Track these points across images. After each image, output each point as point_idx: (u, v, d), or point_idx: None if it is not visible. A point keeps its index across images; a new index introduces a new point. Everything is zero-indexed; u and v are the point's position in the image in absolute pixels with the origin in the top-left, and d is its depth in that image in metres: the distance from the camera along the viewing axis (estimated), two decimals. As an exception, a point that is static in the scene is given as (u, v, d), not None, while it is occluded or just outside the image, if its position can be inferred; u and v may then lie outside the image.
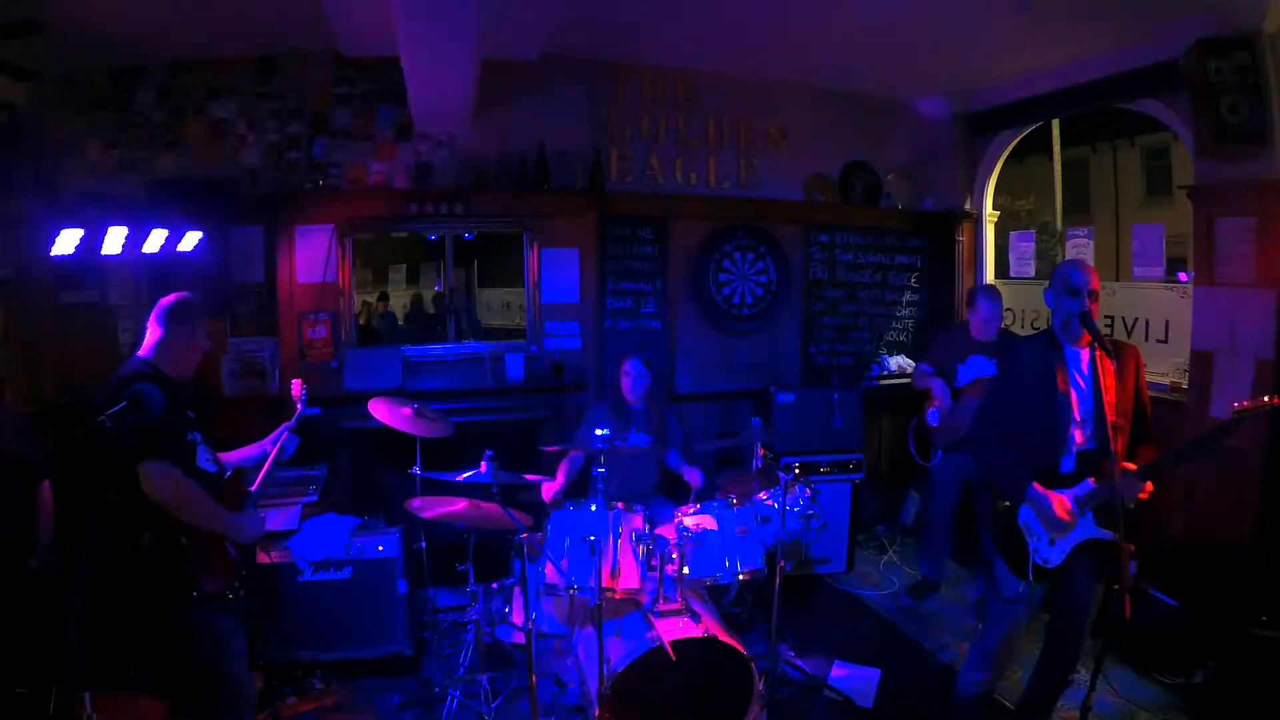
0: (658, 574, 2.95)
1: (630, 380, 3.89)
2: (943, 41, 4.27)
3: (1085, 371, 2.50)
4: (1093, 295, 2.48)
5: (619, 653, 2.80)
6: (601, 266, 4.86)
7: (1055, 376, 2.51)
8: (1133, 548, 2.23)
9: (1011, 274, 5.37)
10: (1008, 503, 2.57)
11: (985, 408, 2.82)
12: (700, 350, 5.13)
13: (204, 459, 2.47)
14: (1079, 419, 2.49)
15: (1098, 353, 2.42)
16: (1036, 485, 2.47)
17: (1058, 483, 2.49)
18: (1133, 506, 2.29)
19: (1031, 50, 4.35)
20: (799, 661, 3.54)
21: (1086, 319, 2.43)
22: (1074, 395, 2.49)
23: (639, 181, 4.94)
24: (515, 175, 4.62)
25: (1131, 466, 2.37)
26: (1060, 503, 2.44)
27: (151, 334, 2.45)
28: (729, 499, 3.19)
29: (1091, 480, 2.45)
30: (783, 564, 3.10)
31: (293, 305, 4.41)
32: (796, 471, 3.25)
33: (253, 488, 2.66)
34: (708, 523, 3.10)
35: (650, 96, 4.93)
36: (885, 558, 4.97)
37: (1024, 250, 5.30)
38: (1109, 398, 2.37)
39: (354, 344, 4.53)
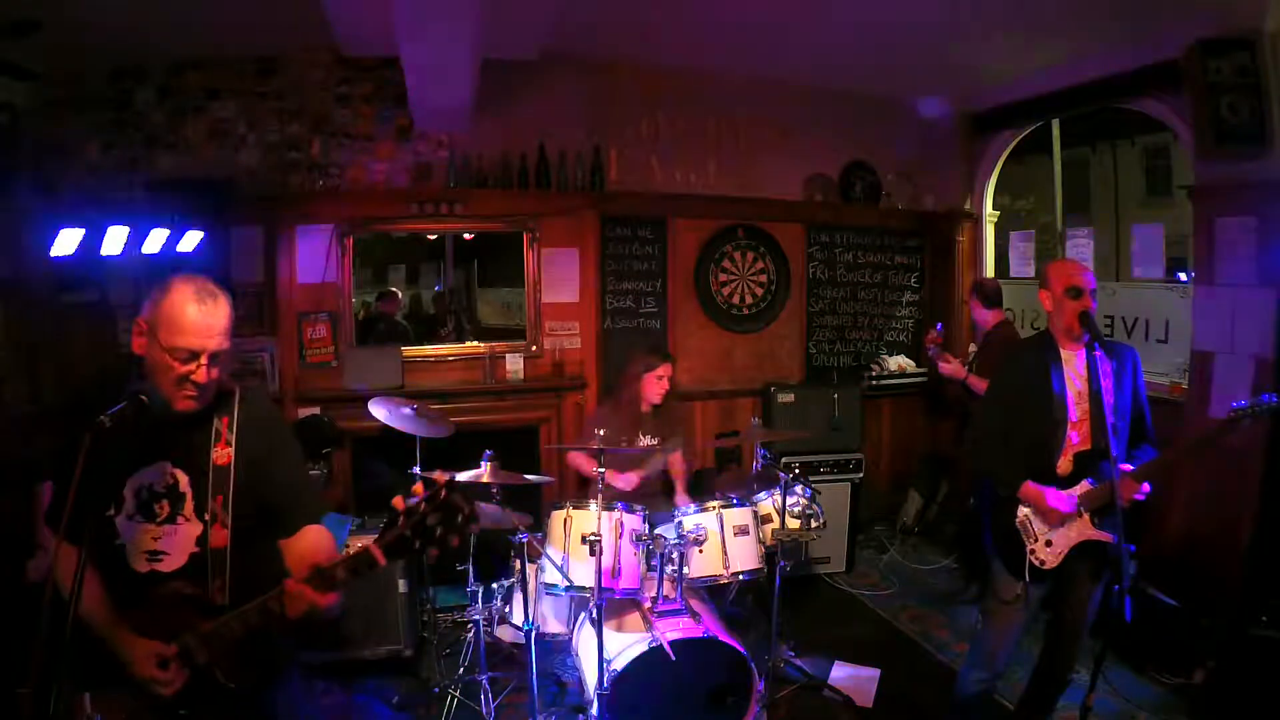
0: (658, 574, 2.95)
1: (663, 384, 3.71)
2: (943, 41, 4.27)
3: (1082, 372, 2.50)
4: (1091, 294, 2.48)
5: (619, 653, 2.80)
6: (601, 266, 4.86)
7: (1051, 378, 2.50)
8: (1133, 548, 2.23)
9: (1011, 274, 5.37)
10: (1005, 504, 2.57)
11: (982, 408, 2.82)
12: (700, 350, 5.13)
13: (135, 543, 1.63)
14: (1075, 420, 2.49)
15: (1096, 353, 2.42)
16: (1030, 483, 2.47)
17: (1054, 484, 2.48)
18: (1127, 507, 2.29)
19: (1032, 50, 4.35)
20: (799, 661, 3.54)
21: (1087, 319, 2.43)
22: (1070, 396, 2.49)
23: (639, 181, 4.93)
24: (515, 175, 4.62)
25: (1126, 468, 2.38)
26: (1054, 498, 2.43)
27: None
28: (729, 499, 3.19)
29: (1088, 481, 2.45)
30: (783, 564, 3.09)
31: (293, 305, 4.41)
32: (796, 471, 3.25)
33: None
34: (708, 522, 3.10)
35: (650, 96, 4.93)
36: (885, 558, 4.97)
37: (1024, 250, 5.30)
38: (1106, 399, 2.37)
39: (354, 344, 4.53)
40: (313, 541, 1.74)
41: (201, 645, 1.57)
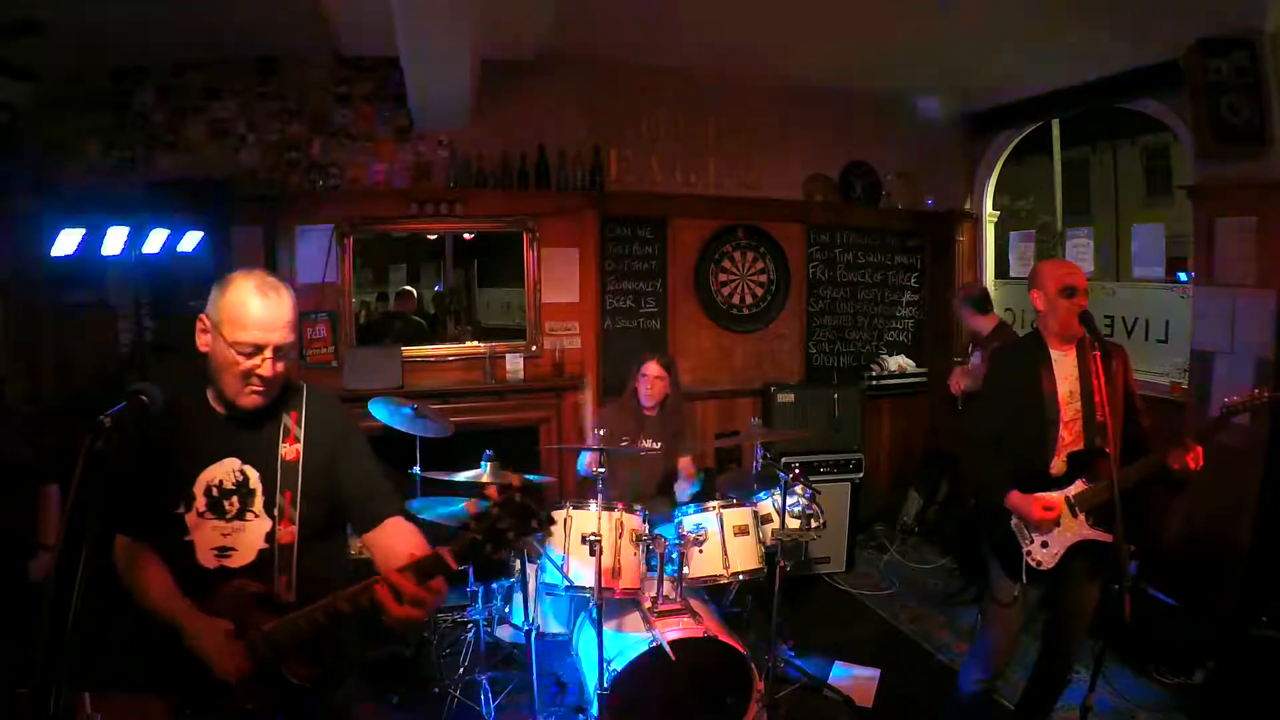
0: (658, 574, 2.95)
1: (648, 383, 3.67)
2: (942, 42, 4.27)
3: (1072, 371, 2.50)
4: (1085, 292, 2.48)
5: (619, 653, 2.80)
6: (601, 266, 4.86)
7: (1041, 378, 2.50)
8: (1133, 548, 2.23)
9: (1012, 274, 5.37)
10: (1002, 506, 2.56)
11: (974, 412, 2.81)
12: (700, 350, 5.13)
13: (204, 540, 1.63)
14: (1066, 420, 2.48)
15: (1088, 353, 2.41)
16: (1014, 493, 2.46)
17: (1049, 485, 2.48)
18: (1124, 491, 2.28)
19: (1032, 50, 4.35)
20: (799, 661, 3.54)
21: (1087, 317, 2.43)
22: (1060, 396, 2.49)
23: (639, 181, 4.93)
24: (515, 175, 4.62)
25: (1200, 446, 2.35)
26: (1039, 504, 2.43)
27: None
28: (729, 499, 3.19)
29: (1082, 481, 2.45)
30: (783, 564, 3.10)
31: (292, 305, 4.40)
32: (796, 471, 3.24)
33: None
34: (708, 523, 3.10)
35: (650, 96, 4.93)
36: (885, 558, 4.97)
37: (1023, 250, 5.31)
38: (1098, 398, 2.36)
39: (354, 344, 4.53)
40: (400, 535, 1.69)
41: (268, 643, 1.55)
